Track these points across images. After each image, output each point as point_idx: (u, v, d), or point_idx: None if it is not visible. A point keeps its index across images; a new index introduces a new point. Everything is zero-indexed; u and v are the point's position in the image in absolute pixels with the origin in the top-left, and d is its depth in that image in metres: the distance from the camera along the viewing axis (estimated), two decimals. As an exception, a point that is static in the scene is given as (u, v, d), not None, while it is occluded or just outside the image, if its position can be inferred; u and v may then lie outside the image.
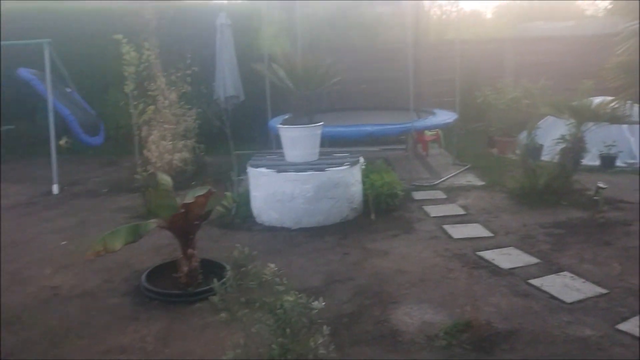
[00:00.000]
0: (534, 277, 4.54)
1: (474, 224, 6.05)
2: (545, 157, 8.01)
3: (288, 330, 2.88)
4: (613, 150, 8.35)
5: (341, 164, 6.33)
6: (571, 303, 4.07)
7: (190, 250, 4.51)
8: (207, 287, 4.17)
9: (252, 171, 6.45)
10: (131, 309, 4.31)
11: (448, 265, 4.92)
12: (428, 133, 9.75)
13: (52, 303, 4.48)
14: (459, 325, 3.72)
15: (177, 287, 4.49)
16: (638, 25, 6.54)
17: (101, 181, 8.97)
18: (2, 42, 9.70)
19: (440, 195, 7.35)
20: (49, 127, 8.79)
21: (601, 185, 6.16)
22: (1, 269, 5.24)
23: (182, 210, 4.33)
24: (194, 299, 4.32)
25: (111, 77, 9.52)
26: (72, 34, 11.21)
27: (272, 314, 2.90)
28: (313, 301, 2.94)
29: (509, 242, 5.45)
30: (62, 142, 9.55)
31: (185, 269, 4.48)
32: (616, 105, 6.77)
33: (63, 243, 5.96)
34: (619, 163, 8.45)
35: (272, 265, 3.04)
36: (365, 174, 6.67)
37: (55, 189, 8.30)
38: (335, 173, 6.21)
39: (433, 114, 9.55)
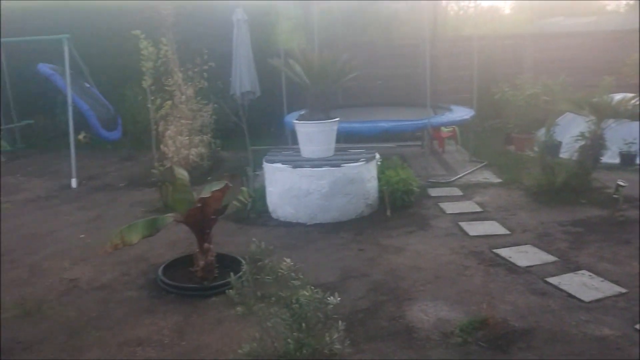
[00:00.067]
0: (552, 276, 4.48)
1: (491, 222, 6.00)
2: (563, 154, 7.91)
3: (304, 324, 2.89)
4: (633, 148, 8.20)
5: (357, 160, 6.32)
6: (589, 302, 4.02)
7: (206, 245, 4.55)
8: (223, 281, 4.21)
9: (267, 166, 6.47)
10: (148, 301, 4.36)
11: (464, 262, 4.89)
12: (444, 129, 9.68)
13: (71, 295, 4.55)
14: (474, 323, 3.69)
15: (193, 280, 4.53)
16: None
17: (119, 175, 9.07)
18: (23, 38, 9.85)
19: (457, 192, 7.30)
20: (67, 121, 8.93)
21: (621, 183, 6.07)
22: (20, 262, 5.34)
23: (199, 205, 4.36)
24: (209, 293, 4.35)
25: (129, 72, 9.60)
26: (91, 30, 11.36)
27: (288, 309, 2.91)
28: (329, 296, 2.95)
29: (526, 239, 5.40)
30: (80, 136, 9.69)
31: (201, 263, 4.52)
32: (637, 102, 6.66)
33: (81, 236, 6.04)
34: (639, 161, 8.31)
35: (288, 260, 3.05)
36: (381, 170, 6.65)
37: (73, 183, 8.41)
38: (351, 169, 6.20)
39: (450, 110, 9.48)
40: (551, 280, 4.40)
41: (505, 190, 7.29)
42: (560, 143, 8.21)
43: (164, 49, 8.12)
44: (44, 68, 9.53)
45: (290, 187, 6.18)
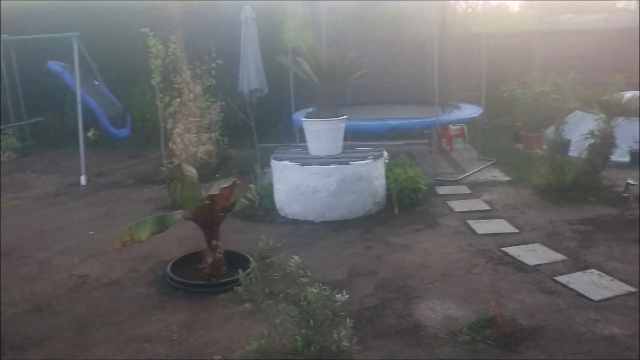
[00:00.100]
0: (560, 274, 4.46)
1: (499, 220, 5.98)
2: (572, 152, 7.85)
3: (311, 322, 2.90)
4: (643, 147, 8.14)
5: (364, 158, 6.31)
6: (598, 301, 3.99)
7: (214, 242, 4.56)
8: (231, 278, 4.22)
9: (275, 164, 6.47)
10: (156, 298, 4.39)
11: (472, 260, 4.88)
12: (452, 127, 9.64)
13: (80, 291, 4.58)
14: (482, 321, 3.68)
15: (202, 277, 4.55)
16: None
17: (127, 173, 9.12)
18: (33, 36, 9.92)
19: (465, 190, 7.27)
20: (77, 119, 8.99)
21: (631, 181, 6.03)
22: (30, 258, 5.38)
23: (207, 202, 4.37)
24: (218, 290, 4.37)
25: (138, 70, 9.64)
26: (100, 28, 11.41)
27: (296, 306, 2.92)
28: (336, 294, 2.95)
29: (535, 238, 5.37)
30: (89, 134, 9.76)
31: (209, 259, 4.53)
32: (647, 101, 6.61)
33: (91, 233, 6.08)
34: (649, 160, 8.24)
35: (296, 258, 3.05)
36: (389, 168, 6.64)
37: (82, 180, 8.47)
38: (359, 167, 6.19)
39: (458, 108, 9.45)
40: (560, 279, 4.38)
41: (514, 188, 7.26)
42: (569, 141, 8.15)
43: (173, 47, 8.14)
44: (54, 66, 9.60)
45: (298, 185, 6.18)
